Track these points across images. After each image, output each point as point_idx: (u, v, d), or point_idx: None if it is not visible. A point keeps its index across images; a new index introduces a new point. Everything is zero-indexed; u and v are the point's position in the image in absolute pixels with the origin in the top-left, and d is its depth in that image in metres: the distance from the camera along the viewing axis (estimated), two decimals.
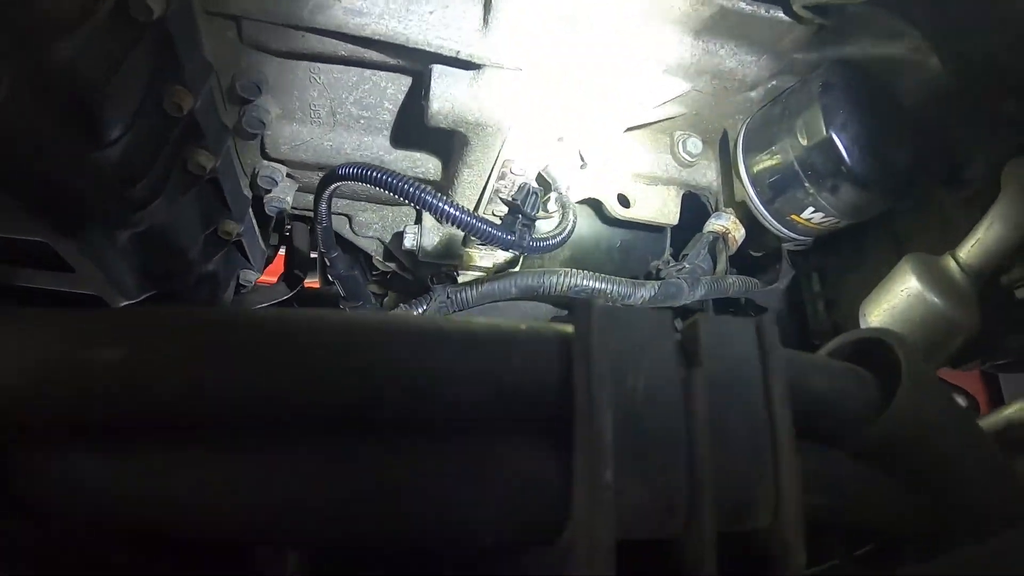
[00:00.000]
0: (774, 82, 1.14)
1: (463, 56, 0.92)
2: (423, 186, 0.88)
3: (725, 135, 1.18)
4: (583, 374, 0.49)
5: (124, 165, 0.95)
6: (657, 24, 1.06)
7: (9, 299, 1.15)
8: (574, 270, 1.06)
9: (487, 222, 0.90)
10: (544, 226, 1.06)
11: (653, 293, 1.08)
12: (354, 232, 1.22)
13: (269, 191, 1.11)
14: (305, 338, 0.51)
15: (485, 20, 0.93)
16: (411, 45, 0.93)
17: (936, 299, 1.01)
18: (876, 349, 0.64)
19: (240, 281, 1.22)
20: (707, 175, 1.18)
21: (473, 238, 0.92)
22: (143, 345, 0.47)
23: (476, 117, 0.95)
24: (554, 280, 1.05)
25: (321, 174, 1.12)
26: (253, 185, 1.13)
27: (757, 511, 0.51)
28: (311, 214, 1.21)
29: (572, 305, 0.52)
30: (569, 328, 0.52)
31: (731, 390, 0.51)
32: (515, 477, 0.53)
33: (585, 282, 1.06)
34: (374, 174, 0.90)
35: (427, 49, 0.93)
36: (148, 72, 0.92)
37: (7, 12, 0.77)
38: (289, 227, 1.29)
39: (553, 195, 1.01)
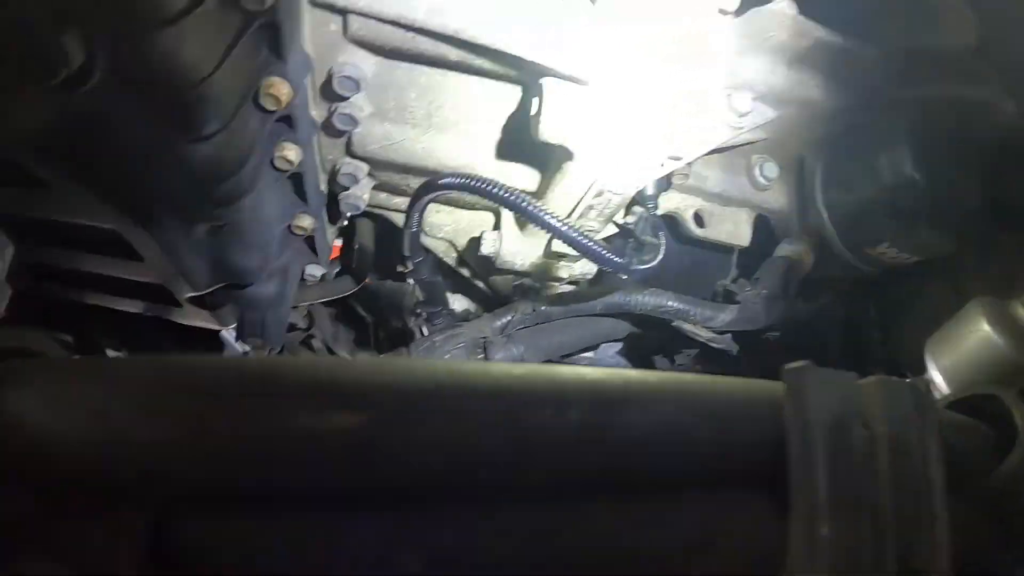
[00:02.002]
0: (858, 114, 1.12)
1: (577, 75, 0.87)
2: (540, 206, 0.84)
3: (803, 161, 1.16)
4: (799, 438, 0.49)
5: (215, 161, 0.87)
6: (754, 53, 1.03)
7: (72, 284, 1.07)
8: (659, 290, 1.03)
9: (601, 244, 0.86)
10: None
11: (733, 317, 1.06)
12: (424, 232, 1.16)
13: (347, 188, 1.04)
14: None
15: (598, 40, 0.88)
16: (527, 58, 0.87)
17: (1003, 343, 1.02)
18: (989, 403, 0.67)
19: (305, 275, 1.16)
20: (781, 200, 1.16)
21: (583, 256, 0.88)
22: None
23: (585, 134, 0.90)
24: (640, 299, 1.02)
25: (403, 174, 1.07)
26: (331, 181, 1.06)
27: (922, 556, 0.53)
28: (375, 210, 1.16)
29: (784, 370, 0.52)
30: (773, 388, 0.52)
31: (900, 449, 0.53)
32: (731, 533, 0.53)
33: (670, 303, 1.03)
34: (487, 188, 0.85)
35: (542, 64, 0.87)
36: (251, 64, 0.85)
37: None
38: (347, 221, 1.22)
39: (643, 214, 0.98)
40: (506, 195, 0.83)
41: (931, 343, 1.05)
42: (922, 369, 1.10)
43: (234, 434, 0.43)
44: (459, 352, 0.99)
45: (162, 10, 0.70)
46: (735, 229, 1.15)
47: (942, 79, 1.09)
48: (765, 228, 1.19)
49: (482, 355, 1.00)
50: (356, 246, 1.16)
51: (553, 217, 0.85)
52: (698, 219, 1.13)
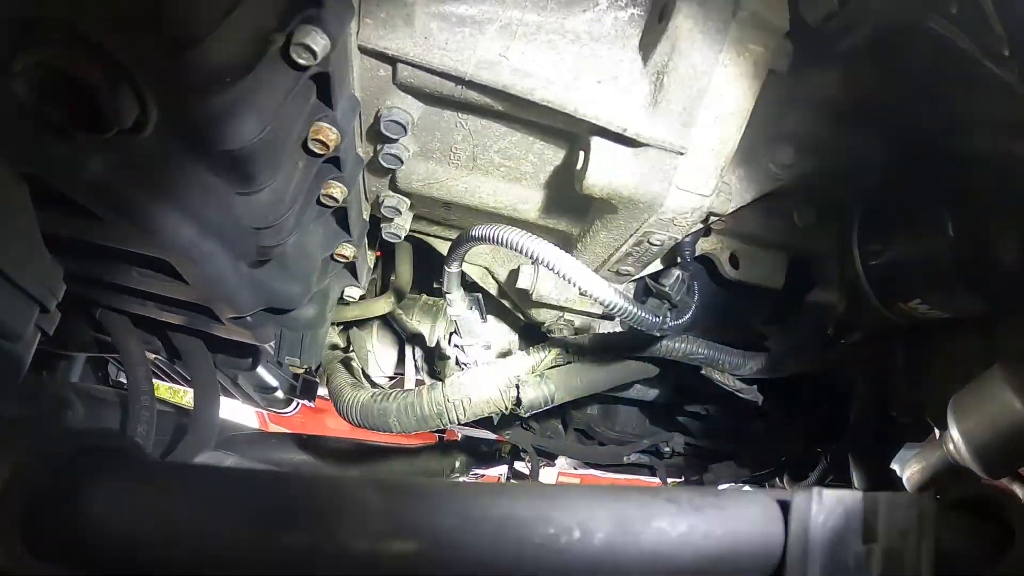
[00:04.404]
0: (902, 166, 1.10)
1: (629, 134, 0.85)
2: (580, 266, 0.84)
3: (842, 208, 1.14)
4: (798, 552, 0.57)
5: (263, 208, 0.88)
6: (800, 106, 1.01)
7: (118, 293, 1.09)
8: (692, 337, 1.04)
9: (637, 306, 0.87)
10: None
11: (761, 365, 1.07)
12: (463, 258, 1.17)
13: (391, 220, 1.05)
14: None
15: (654, 98, 0.86)
16: (577, 116, 0.86)
17: None
18: (990, 504, 0.70)
19: (344, 296, 1.18)
20: (818, 245, 1.15)
21: (616, 317, 0.89)
22: None
23: (631, 193, 0.89)
24: (671, 345, 1.03)
25: (444, 209, 1.07)
26: (373, 208, 1.07)
27: None
28: (413, 234, 1.17)
29: (795, 493, 0.56)
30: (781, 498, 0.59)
31: (894, 562, 0.60)
32: None
33: (700, 350, 1.04)
34: (522, 244, 0.86)
35: (593, 122, 0.86)
36: (300, 114, 0.85)
37: (164, 59, 0.69)
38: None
39: (679, 275, 0.97)
40: (540, 254, 0.84)
41: (955, 403, 1.06)
42: (944, 417, 1.11)
43: None
44: (492, 389, 1.01)
45: (212, 79, 0.70)
46: (769, 272, 1.14)
47: (989, 134, 1.06)
48: (798, 271, 1.18)
49: (514, 393, 1.03)
50: (394, 270, 1.18)
51: (589, 278, 0.85)
52: (733, 261, 1.12)
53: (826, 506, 0.58)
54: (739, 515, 0.56)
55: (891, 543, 0.60)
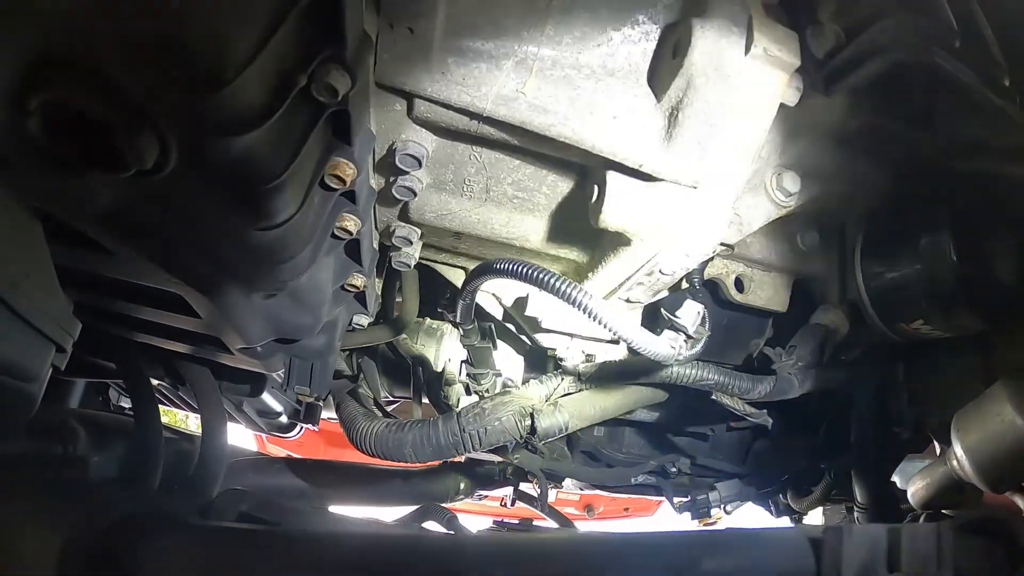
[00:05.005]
0: (902, 187, 1.13)
1: (645, 169, 0.87)
2: (594, 298, 0.86)
3: (844, 231, 1.18)
4: None
5: (280, 244, 0.89)
6: (805, 135, 1.03)
7: (126, 324, 1.09)
8: (703, 363, 1.06)
9: (654, 339, 0.89)
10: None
11: (770, 389, 1.10)
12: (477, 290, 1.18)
13: (400, 249, 1.06)
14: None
15: (669, 133, 0.88)
16: (594, 151, 0.87)
17: None
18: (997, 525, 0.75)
19: (352, 324, 1.18)
20: (821, 268, 1.18)
21: (633, 349, 0.91)
22: None
23: (645, 226, 0.91)
24: (682, 371, 1.06)
25: (455, 239, 1.08)
26: (383, 237, 1.08)
27: None
28: (420, 261, 1.18)
29: (825, 530, 0.58)
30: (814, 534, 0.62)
31: None
32: None
33: (712, 376, 1.07)
34: (544, 279, 0.87)
35: (609, 157, 0.88)
36: (319, 151, 0.85)
37: (187, 101, 0.69)
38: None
39: (696, 310, 0.99)
40: (562, 288, 0.86)
41: (958, 419, 1.10)
42: (947, 433, 1.15)
43: None
44: (507, 419, 1.03)
45: (236, 121, 0.70)
46: (774, 294, 1.17)
47: (985, 155, 1.10)
48: (802, 292, 1.21)
49: (529, 422, 1.04)
50: (400, 295, 1.19)
51: (611, 316, 0.87)
52: (739, 284, 1.15)
53: (854, 541, 0.60)
54: (773, 553, 0.59)
55: (914, 572, 0.64)
